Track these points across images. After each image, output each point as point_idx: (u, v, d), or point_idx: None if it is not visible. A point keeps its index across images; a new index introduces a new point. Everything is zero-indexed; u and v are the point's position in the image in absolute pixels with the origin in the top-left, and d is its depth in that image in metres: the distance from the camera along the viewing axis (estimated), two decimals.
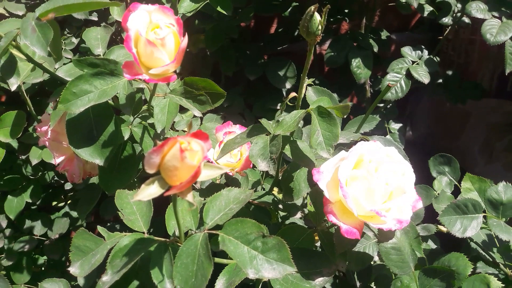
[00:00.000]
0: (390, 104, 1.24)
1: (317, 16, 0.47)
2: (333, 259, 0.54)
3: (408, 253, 0.49)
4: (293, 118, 0.54)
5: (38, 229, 1.07)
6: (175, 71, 0.50)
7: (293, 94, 0.53)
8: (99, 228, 0.53)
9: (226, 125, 0.75)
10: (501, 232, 0.55)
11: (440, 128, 1.46)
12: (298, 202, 0.71)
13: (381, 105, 1.23)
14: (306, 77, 0.60)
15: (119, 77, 0.53)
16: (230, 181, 0.77)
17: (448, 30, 1.12)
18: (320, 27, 0.48)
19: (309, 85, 0.57)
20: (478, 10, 0.93)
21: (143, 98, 0.72)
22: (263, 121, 0.58)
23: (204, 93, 0.65)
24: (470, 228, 0.55)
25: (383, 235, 0.48)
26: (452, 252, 0.58)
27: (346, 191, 0.46)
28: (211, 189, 0.77)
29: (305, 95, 0.60)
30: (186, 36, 0.46)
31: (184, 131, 0.87)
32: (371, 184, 0.47)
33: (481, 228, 0.59)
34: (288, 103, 0.54)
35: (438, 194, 0.76)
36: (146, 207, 0.53)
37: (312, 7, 0.47)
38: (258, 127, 0.58)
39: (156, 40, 0.46)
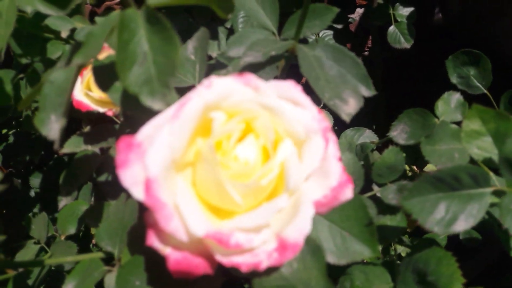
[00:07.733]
0: None
1: None
2: None
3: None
4: (103, 32, 0.27)
5: None
6: None
7: None
8: None
9: None
10: None
11: (479, 7, 1.08)
12: None
13: None
14: None
15: None
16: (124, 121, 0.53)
17: None
18: None
19: None
20: None
21: None
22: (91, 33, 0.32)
23: None
24: (464, 216, 0.30)
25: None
26: (432, 246, 0.34)
27: (156, 196, 0.21)
28: (98, 132, 0.54)
29: None
30: None
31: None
32: (218, 175, 0.22)
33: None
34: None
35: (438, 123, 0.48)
36: None
37: None
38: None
39: None
